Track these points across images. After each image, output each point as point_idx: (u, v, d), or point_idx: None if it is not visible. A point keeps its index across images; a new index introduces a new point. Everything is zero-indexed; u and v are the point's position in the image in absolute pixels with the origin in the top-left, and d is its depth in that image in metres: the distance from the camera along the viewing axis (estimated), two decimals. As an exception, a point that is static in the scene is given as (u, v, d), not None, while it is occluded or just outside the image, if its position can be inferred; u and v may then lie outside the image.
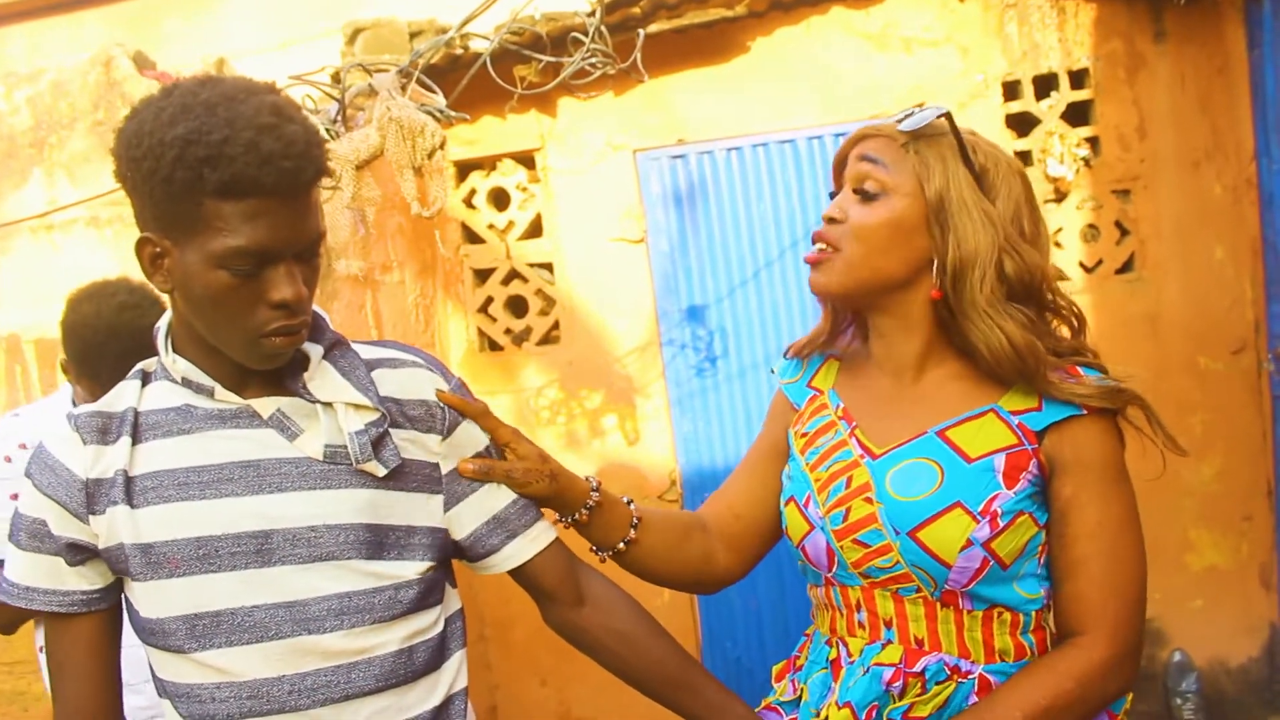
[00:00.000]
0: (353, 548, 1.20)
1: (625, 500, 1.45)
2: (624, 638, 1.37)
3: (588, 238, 3.80)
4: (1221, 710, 3.58)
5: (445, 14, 3.46)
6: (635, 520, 1.43)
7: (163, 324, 1.26)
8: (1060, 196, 3.57)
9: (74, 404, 2.12)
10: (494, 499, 1.32)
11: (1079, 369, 1.31)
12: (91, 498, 1.20)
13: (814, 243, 1.37)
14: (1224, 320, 3.51)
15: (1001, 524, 1.25)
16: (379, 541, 1.22)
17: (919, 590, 1.29)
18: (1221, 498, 3.54)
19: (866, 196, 1.33)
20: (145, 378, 1.27)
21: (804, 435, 1.45)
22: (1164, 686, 3.56)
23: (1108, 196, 3.56)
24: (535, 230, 3.89)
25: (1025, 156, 3.59)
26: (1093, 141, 3.56)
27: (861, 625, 1.34)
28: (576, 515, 1.39)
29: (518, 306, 3.96)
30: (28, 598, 1.25)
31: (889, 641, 1.31)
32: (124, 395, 1.25)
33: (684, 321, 3.77)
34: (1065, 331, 1.38)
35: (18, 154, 3.34)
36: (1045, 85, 3.60)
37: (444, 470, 1.29)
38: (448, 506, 1.30)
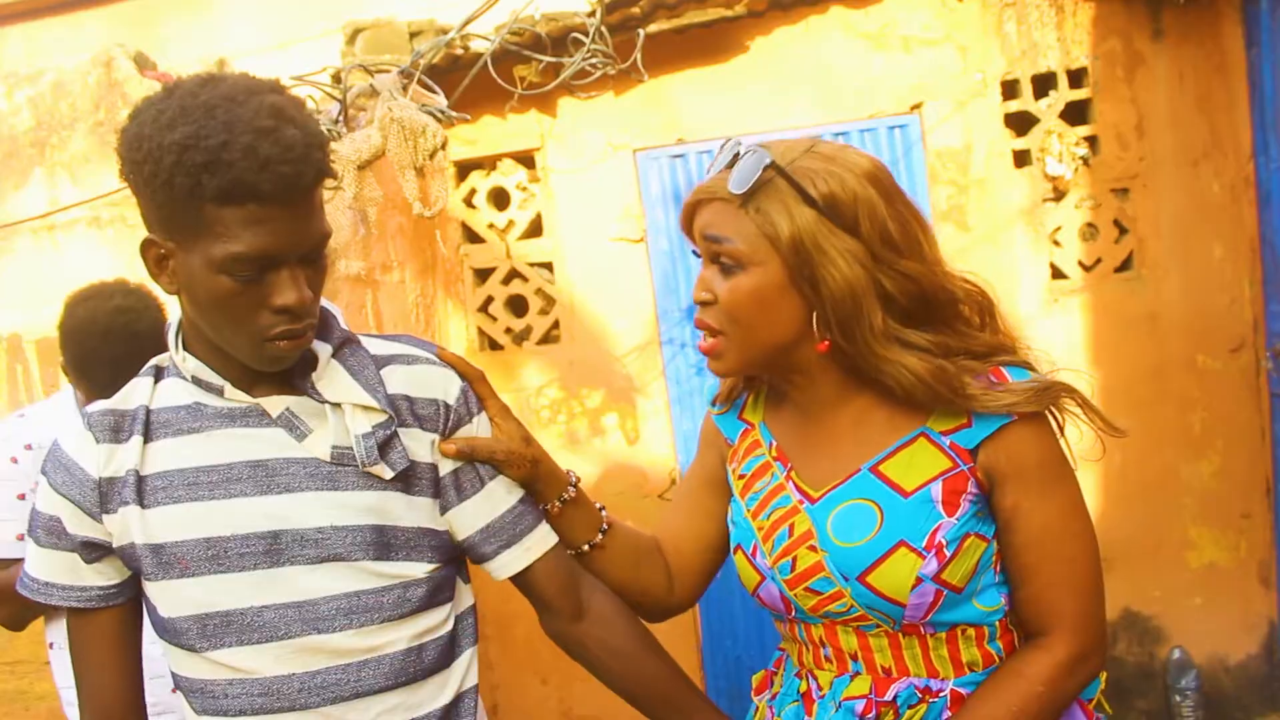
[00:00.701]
0: (361, 549, 1.20)
1: (599, 507, 1.43)
2: (620, 654, 1.37)
3: (588, 237, 3.81)
4: (1221, 707, 3.59)
5: (445, 14, 3.47)
6: (604, 526, 1.41)
7: (173, 321, 1.26)
8: (1059, 195, 3.58)
9: (77, 405, 2.12)
10: (487, 508, 1.32)
11: (1002, 370, 1.26)
12: (105, 497, 1.21)
13: (698, 326, 1.31)
14: (1222, 318, 3.51)
15: (948, 554, 1.22)
16: (386, 542, 1.22)
17: (879, 626, 1.27)
18: (1220, 496, 3.55)
19: (725, 271, 1.26)
20: (158, 374, 1.27)
21: (742, 477, 1.41)
22: (1164, 684, 3.58)
23: (1106, 195, 3.56)
24: (535, 230, 3.90)
25: (1024, 155, 3.60)
26: (1091, 140, 3.57)
27: (829, 659, 1.32)
28: (549, 506, 1.36)
29: (518, 306, 3.97)
30: (47, 593, 1.26)
31: (857, 673, 1.30)
32: (136, 392, 1.26)
33: (684, 320, 3.78)
34: (976, 319, 1.30)
35: (19, 154, 3.35)
36: (1044, 84, 3.61)
37: (442, 472, 1.29)
38: (444, 510, 1.30)
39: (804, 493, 1.32)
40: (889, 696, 1.27)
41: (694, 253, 1.33)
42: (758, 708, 1.45)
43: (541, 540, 1.36)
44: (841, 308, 1.21)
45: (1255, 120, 3.37)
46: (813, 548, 1.27)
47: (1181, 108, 3.49)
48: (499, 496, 1.33)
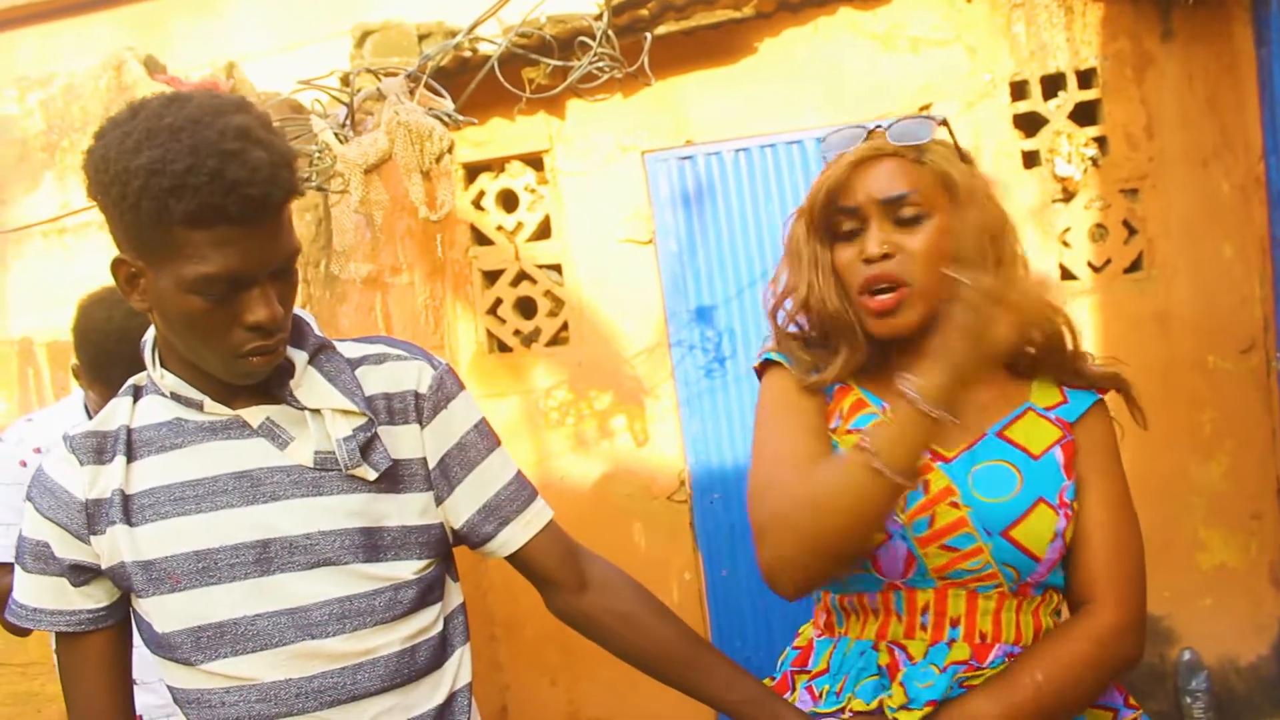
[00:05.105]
0: (350, 552, 1.21)
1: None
2: (628, 620, 1.36)
3: (596, 239, 3.82)
4: (1232, 708, 3.58)
5: (453, 16, 3.48)
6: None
7: (149, 339, 1.27)
8: (1068, 196, 3.57)
9: (86, 408, 2.12)
10: (485, 486, 1.32)
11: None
12: (91, 519, 1.21)
13: (872, 284, 1.31)
14: (1232, 319, 3.50)
15: (1071, 513, 1.29)
16: (375, 544, 1.23)
17: (996, 587, 1.29)
18: (1230, 496, 3.54)
19: (909, 221, 1.31)
20: (136, 393, 1.28)
21: (852, 432, 1.37)
22: (1174, 685, 3.57)
23: (1116, 196, 3.56)
24: (544, 232, 3.91)
25: (1033, 156, 3.60)
26: (1100, 141, 3.56)
27: (924, 627, 1.32)
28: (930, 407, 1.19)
29: (527, 308, 3.98)
30: (35, 619, 1.26)
31: (953, 639, 1.30)
32: (116, 413, 1.26)
33: (692, 322, 3.78)
34: None
35: (30, 158, 3.36)
36: (1053, 85, 3.61)
37: (431, 464, 1.29)
38: (440, 499, 1.30)
39: (934, 452, 1.32)
40: (988, 662, 1.28)
41: (832, 229, 1.36)
42: (808, 701, 1.40)
43: (539, 514, 1.36)
44: (1003, 243, 1.31)
45: (1265, 120, 3.36)
46: (954, 504, 1.29)
47: (1191, 108, 3.49)
48: (493, 473, 1.33)
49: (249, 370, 1.16)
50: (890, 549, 1.31)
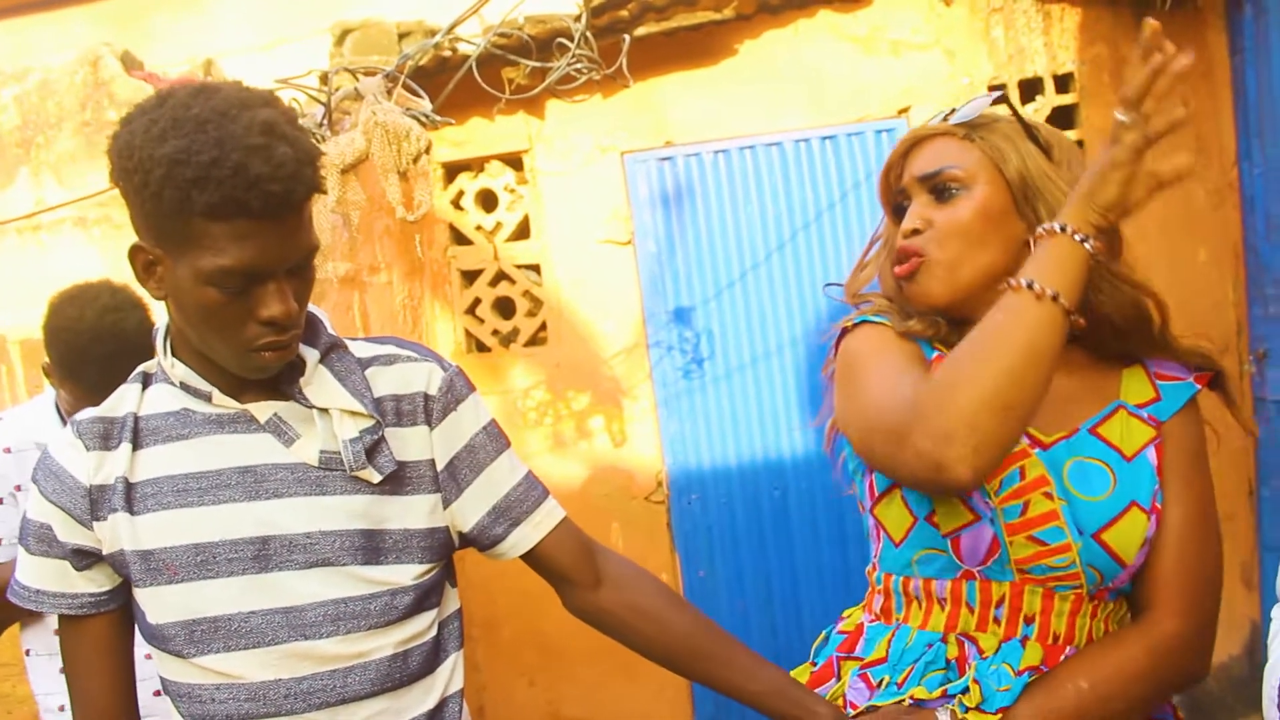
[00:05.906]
0: (349, 554, 1.21)
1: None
2: (646, 614, 1.35)
3: (575, 239, 3.81)
4: (1204, 707, 3.61)
5: (433, 15, 3.47)
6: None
7: (161, 327, 1.27)
8: (1045, 199, 3.59)
9: (57, 407, 2.11)
10: (495, 488, 1.32)
11: None
12: (95, 504, 1.22)
13: (900, 258, 1.31)
14: (1206, 322, 3.53)
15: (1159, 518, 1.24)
16: (375, 547, 1.23)
17: (1075, 588, 1.24)
18: (1204, 498, 3.57)
19: (945, 195, 1.29)
20: (146, 380, 1.28)
21: None
22: (1147, 686, 3.59)
23: (1092, 200, 3.58)
24: (523, 232, 3.90)
25: (1010, 160, 3.62)
26: (1078, 145, 3.58)
27: (997, 621, 1.27)
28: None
29: (505, 308, 3.97)
30: (38, 600, 1.26)
31: (1027, 637, 1.25)
32: (125, 400, 1.26)
33: (671, 323, 3.79)
34: None
35: (5, 154, 3.33)
36: (1031, 89, 3.63)
37: (439, 466, 1.28)
38: (448, 502, 1.30)
39: (1032, 438, 1.27)
40: None
41: (896, 209, 1.35)
42: (867, 688, 1.34)
43: (550, 514, 1.35)
44: None
45: (1239, 126, 3.40)
46: (1049, 495, 1.23)
47: (1166, 113, 3.51)
48: (502, 475, 1.33)
49: (261, 365, 1.17)
50: (975, 532, 1.25)
